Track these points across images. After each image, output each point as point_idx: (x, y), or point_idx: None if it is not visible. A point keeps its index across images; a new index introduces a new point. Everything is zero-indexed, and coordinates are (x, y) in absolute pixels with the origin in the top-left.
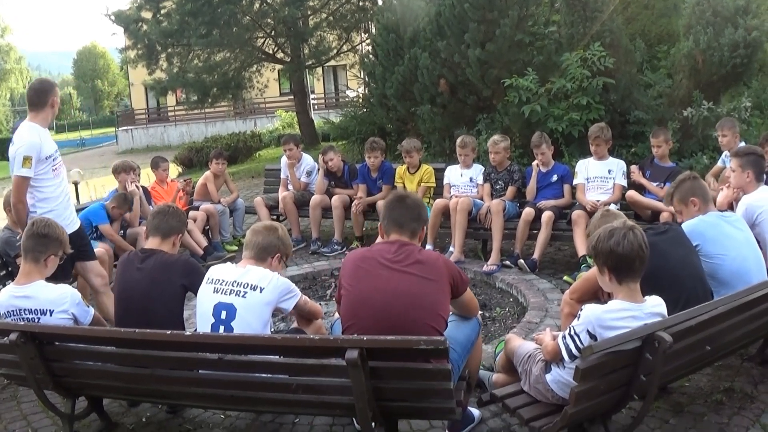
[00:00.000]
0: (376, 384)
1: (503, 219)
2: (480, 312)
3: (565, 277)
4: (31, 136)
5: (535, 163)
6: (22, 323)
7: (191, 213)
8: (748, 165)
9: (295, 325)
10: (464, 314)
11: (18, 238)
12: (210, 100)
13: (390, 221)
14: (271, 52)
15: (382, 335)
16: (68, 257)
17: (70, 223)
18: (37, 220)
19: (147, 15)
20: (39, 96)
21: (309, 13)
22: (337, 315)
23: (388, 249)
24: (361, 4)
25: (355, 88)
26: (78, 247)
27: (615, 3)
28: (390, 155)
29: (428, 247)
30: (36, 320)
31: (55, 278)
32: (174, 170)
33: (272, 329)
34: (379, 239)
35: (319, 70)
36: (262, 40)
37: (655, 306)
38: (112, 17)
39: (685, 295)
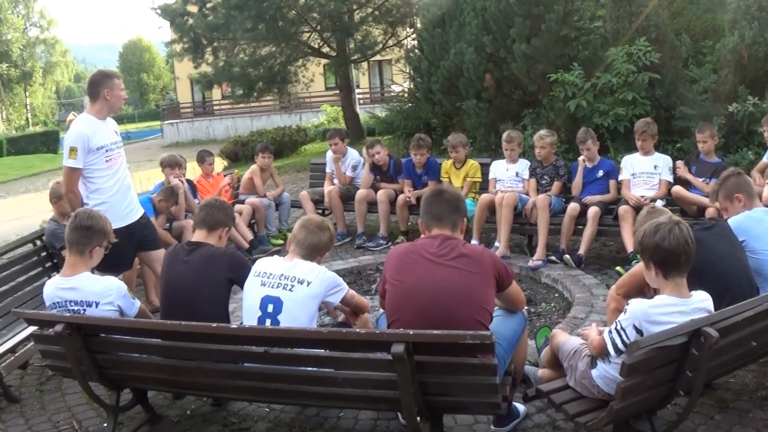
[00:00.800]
0: (422, 378)
1: (549, 214)
2: (525, 307)
3: (617, 267)
4: (80, 127)
5: (581, 158)
6: (68, 314)
7: (237, 207)
8: None
9: (341, 318)
10: (510, 308)
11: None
12: (255, 94)
13: (430, 216)
14: (316, 46)
15: (428, 329)
16: (131, 246)
17: (129, 213)
18: (80, 212)
19: (193, 9)
20: (92, 87)
21: (354, 7)
22: (381, 309)
23: (431, 243)
24: None
25: (400, 82)
26: (141, 237)
27: None
28: (435, 150)
29: (474, 241)
30: (82, 312)
31: (116, 268)
32: (219, 164)
33: (318, 323)
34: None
35: (365, 64)
36: (308, 35)
37: (701, 301)
38: (159, 11)
39: (731, 291)
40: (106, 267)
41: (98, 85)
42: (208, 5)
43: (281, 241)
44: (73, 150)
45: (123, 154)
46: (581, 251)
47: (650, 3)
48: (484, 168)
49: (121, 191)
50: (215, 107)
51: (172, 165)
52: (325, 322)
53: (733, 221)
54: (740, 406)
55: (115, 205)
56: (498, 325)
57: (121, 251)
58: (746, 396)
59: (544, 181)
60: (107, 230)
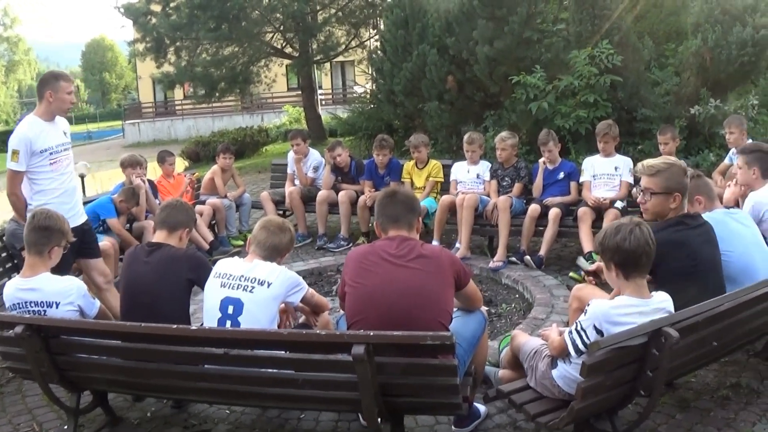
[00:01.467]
0: (383, 379)
1: (510, 215)
2: (486, 308)
3: (571, 273)
4: (23, 129)
5: (542, 160)
6: (27, 316)
7: (197, 207)
8: (754, 162)
9: (302, 320)
10: (468, 306)
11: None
12: (217, 95)
13: (385, 218)
14: (279, 46)
15: (388, 331)
16: (70, 250)
17: (72, 217)
18: (37, 213)
19: (156, 8)
20: (38, 87)
21: (318, 8)
22: (342, 311)
23: (389, 245)
24: (369, 0)
25: (362, 84)
26: (81, 243)
27: (624, 1)
28: (397, 152)
29: (435, 243)
30: (42, 312)
31: (56, 269)
32: (181, 164)
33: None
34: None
35: (327, 65)
36: (271, 35)
37: (662, 302)
38: (122, 10)
39: (710, 291)
40: None
41: (43, 85)
42: (171, 5)
43: (242, 242)
44: (15, 153)
45: (71, 156)
46: (542, 252)
47: (613, 6)
48: (446, 169)
49: (66, 194)
50: (177, 107)
51: (132, 165)
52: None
53: None
54: (701, 405)
55: (58, 208)
56: (457, 326)
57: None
58: (707, 395)
59: (505, 183)
60: (65, 230)
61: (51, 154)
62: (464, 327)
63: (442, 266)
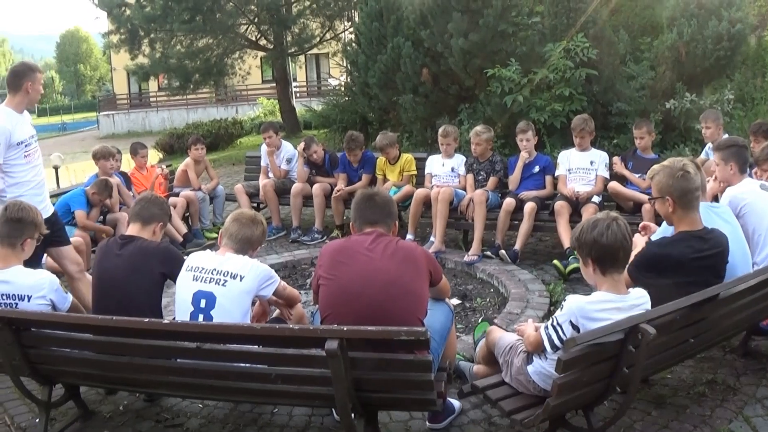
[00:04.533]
0: (356, 375)
1: (485, 209)
2: (460, 302)
3: (555, 261)
4: (2, 122)
5: (523, 153)
6: None
7: (171, 200)
8: (730, 157)
9: (275, 314)
10: (437, 297)
11: None
12: (192, 86)
13: (362, 221)
14: (253, 39)
15: (362, 325)
16: (41, 243)
17: (43, 209)
18: (9, 205)
19: (130, 0)
20: (14, 79)
21: (292, 0)
22: (316, 305)
23: (365, 239)
24: None
25: (337, 76)
26: (51, 233)
27: None
28: (371, 144)
29: (409, 237)
30: (14, 305)
31: (27, 263)
32: (155, 156)
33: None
34: None
35: (302, 57)
36: (245, 27)
37: (638, 298)
38: (96, 1)
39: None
40: None
41: (22, 77)
42: None
43: (215, 235)
44: None
45: (38, 148)
46: (517, 246)
47: None
48: (420, 163)
49: (38, 185)
50: (152, 99)
51: (105, 156)
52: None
53: None
54: (677, 401)
55: (31, 199)
56: (428, 320)
57: None
58: (683, 392)
59: (480, 177)
60: (38, 222)
61: (26, 146)
62: (434, 320)
63: (418, 261)
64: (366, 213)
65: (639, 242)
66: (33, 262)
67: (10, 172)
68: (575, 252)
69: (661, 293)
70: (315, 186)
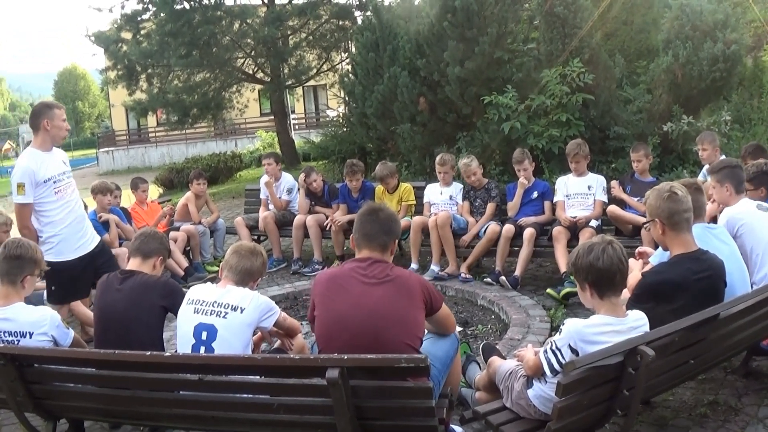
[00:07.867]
0: (358, 403)
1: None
2: (461, 329)
3: (548, 290)
4: (24, 162)
5: (521, 179)
6: (2, 345)
7: (171, 234)
8: (725, 179)
9: (276, 344)
10: (441, 331)
11: None
12: (190, 121)
13: (361, 234)
14: (250, 72)
15: (359, 353)
16: (87, 275)
17: (84, 243)
18: (8, 242)
19: (127, 35)
20: (33, 119)
21: (288, 32)
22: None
23: (359, 266)
24: (340, 23)
25: (335, 107)
26: (98, 265)
27: (594, 19)
28: (370, 174)
29: (413, 266)
30: (16, 342)
31: (71, 296)
32: (155, 191)
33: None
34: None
35: (299, 89)
36: (242, 60)
37: (637, 320)
38: (92, 38)
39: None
40: (62, 297)
41: (38, 116)
42: (142, 32)
43: (216, 268)
44: (20, 186)
45: (73, 183)
46: (517, 272)
47: (583, 24)
48: (419, 191)
49: (75, 222)
50: (150, 134)
51: (103, 191)
52: (263, 349)
53: None
54: (679, 423)
55: (68, 237)
56: (430, 347)
57: (75, 280)
58: (685, 413)
59: (477, 204)
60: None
61: (54, 183)
62: (436, 347)
63: (412, 289)
64: (366, 226)
65: (634, 267)
66: (80, 294)
67: (42, 211)
68: (571, 276)
69: (664, 319)
70: (308, 218)
